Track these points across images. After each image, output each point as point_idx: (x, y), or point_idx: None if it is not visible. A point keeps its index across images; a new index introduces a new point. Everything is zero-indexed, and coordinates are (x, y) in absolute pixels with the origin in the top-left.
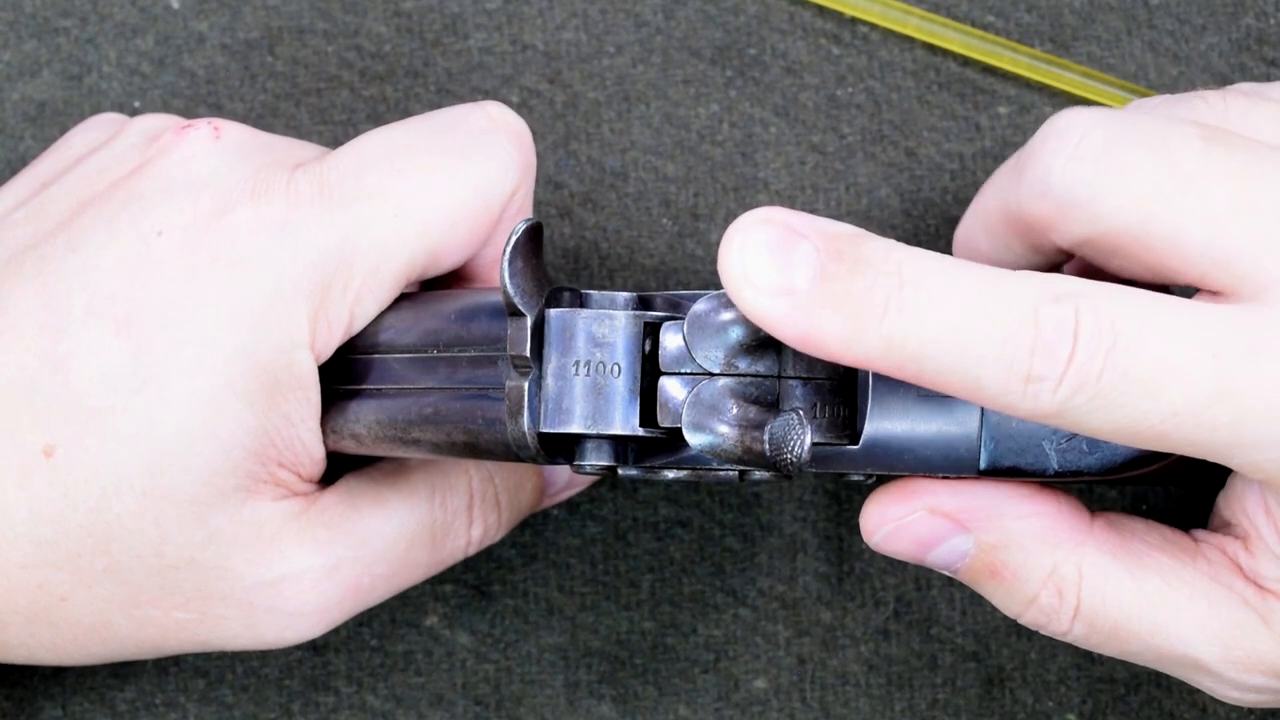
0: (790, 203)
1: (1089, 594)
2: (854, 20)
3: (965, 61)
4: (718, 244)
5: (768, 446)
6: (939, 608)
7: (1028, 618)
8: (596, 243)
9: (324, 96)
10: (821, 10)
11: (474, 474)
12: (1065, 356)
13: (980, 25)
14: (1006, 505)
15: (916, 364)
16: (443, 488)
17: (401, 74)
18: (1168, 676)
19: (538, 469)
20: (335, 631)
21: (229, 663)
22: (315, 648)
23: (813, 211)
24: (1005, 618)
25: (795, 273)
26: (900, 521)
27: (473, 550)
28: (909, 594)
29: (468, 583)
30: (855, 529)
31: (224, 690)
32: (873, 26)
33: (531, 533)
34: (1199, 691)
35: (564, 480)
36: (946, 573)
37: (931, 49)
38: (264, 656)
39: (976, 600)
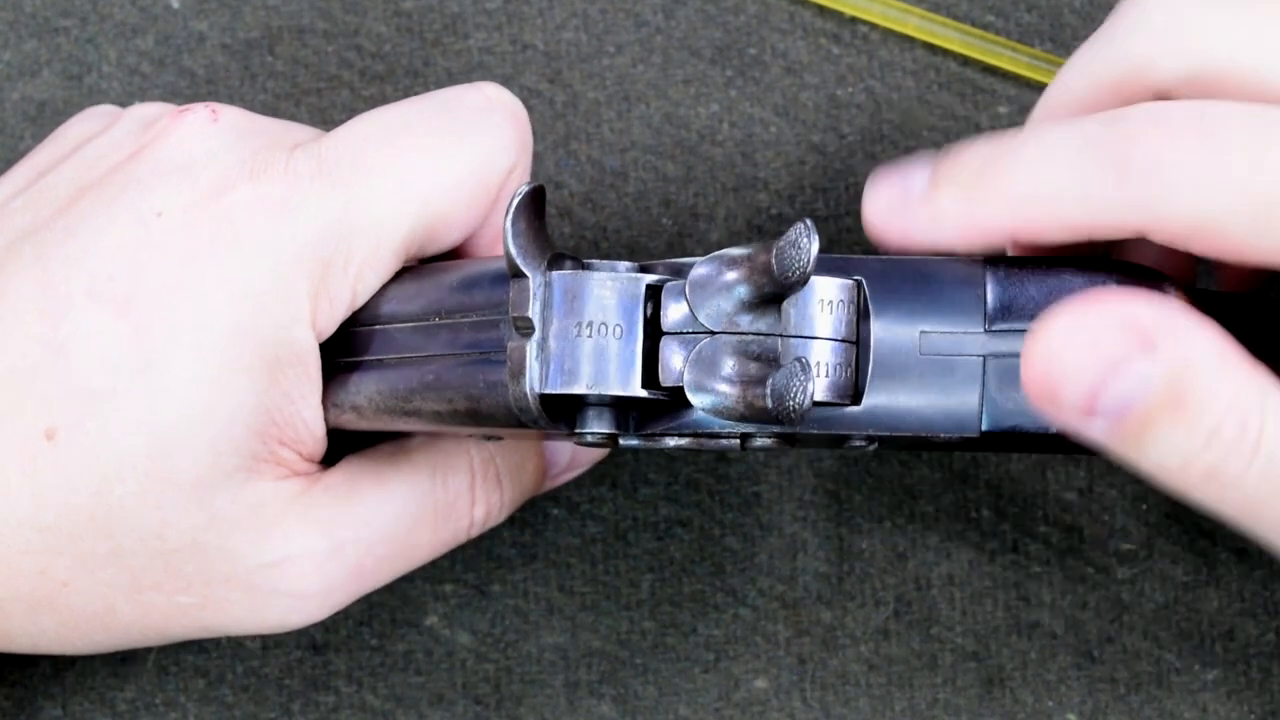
0: (790, 203)
1: (1273, 423)
2: (854, 20)
3: (965, 61)
4: (717, 244)
5: (770, 397)
6: (939, 608)
7: (1205, 460)
8: (596, 243)
9: (324, 96)
10: (821, 10)
11: (475, 454)
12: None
13: (980, 25)
14: (1179, 318)
15: None
16: (444, 467)
17: (401, 74)
18: (1168, 676)
19: (539, 449)
20: (335, 631)
21: (229, 662)
22: (315, 647)
23: (812, 212)
24: (1005, 617)
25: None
26: (1094, 331)
27: (475, 532)
28: (909, 594)
29: (468, 582)
30: (855, 529)
31: (224, 690)
32: (873, 26)
33: (531, 533)
34: (1200, 691)
35: (565, 461)
36: (1096, 435)
37: (931, 49)
38: (264, 656)
39: (976, 600)
